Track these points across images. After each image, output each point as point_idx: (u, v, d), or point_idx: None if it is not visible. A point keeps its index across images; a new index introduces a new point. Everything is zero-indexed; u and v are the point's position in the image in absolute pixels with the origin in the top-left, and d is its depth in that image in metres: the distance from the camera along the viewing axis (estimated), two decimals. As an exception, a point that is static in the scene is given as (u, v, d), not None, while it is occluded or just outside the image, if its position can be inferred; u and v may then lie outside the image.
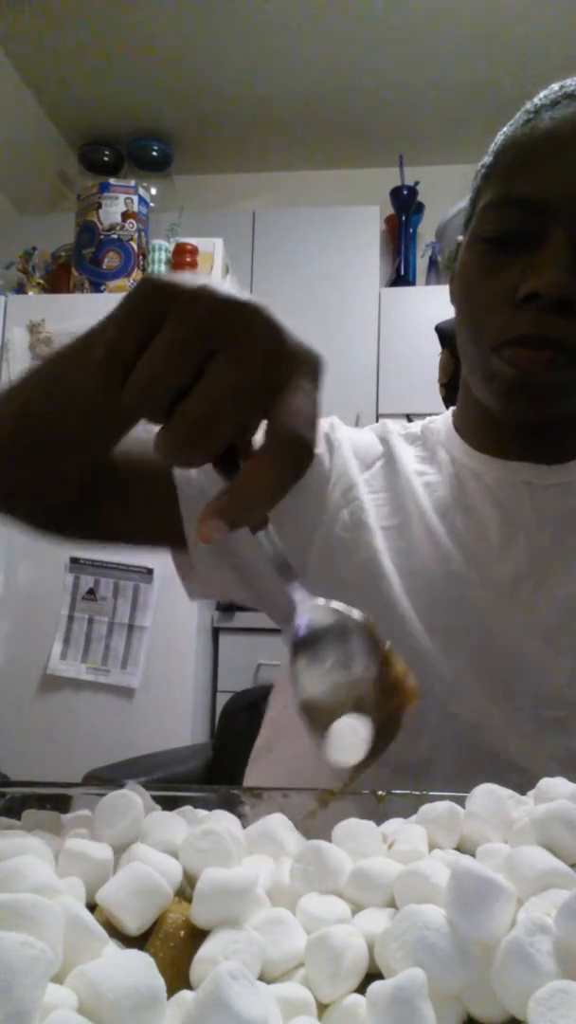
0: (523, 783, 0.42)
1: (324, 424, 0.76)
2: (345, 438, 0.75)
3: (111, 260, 2.47)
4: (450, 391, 0.85)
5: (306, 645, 0.42)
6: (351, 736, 0.40)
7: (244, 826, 0.39)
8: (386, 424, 0.78)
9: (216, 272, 2.60)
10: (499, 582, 0.65)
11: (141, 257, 2.53)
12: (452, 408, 0.78)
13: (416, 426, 0.79)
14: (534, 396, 0.62)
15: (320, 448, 0.73)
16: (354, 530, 0.68)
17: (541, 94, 0.64)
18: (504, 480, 0.69)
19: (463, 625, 0.65)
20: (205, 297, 0.36)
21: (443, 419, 0.78)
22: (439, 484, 0.71)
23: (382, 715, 0.41)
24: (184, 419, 0.34)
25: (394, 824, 0.40)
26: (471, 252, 0.65)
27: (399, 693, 0.42)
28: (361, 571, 0.66)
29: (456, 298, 0.68)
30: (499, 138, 0.66)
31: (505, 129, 0.66)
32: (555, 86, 0.64)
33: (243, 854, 0.37)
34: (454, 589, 0.65)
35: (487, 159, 0.67)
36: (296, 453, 0.35)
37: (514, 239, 0.61)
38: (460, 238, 0.71)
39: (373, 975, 0.29)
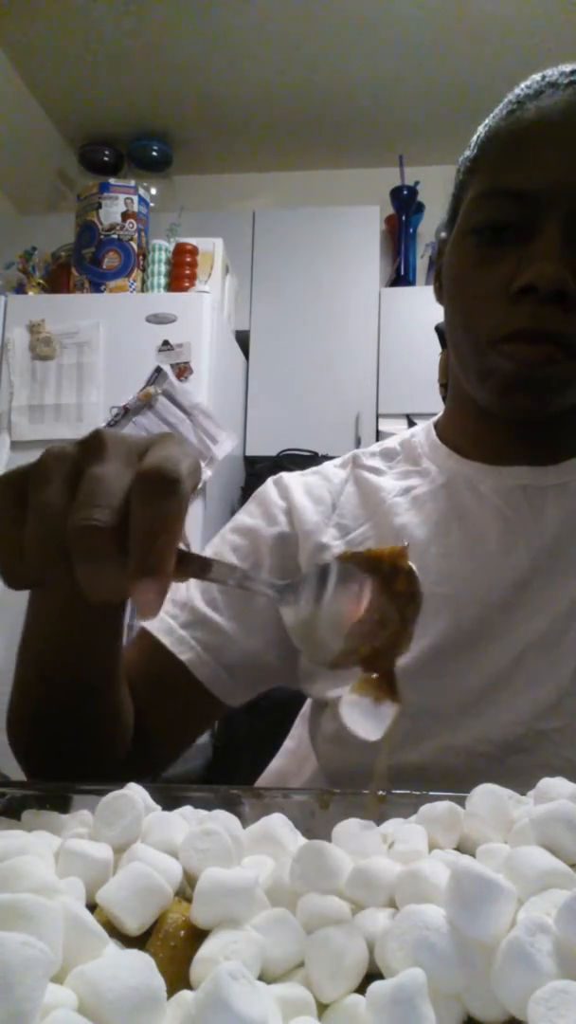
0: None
1: (268, 484, 0.76)
2: (296, 490, 0.74)
3: (111, 260, 2.47)
4: (450, 391, 0.85)
5: (291, 593, 0.40)
6: (363, 711, 0.39)
7: (244, 826, 0.39)
8: (355, 453, 0.77)
9: (216, 272, 2.60)
10: (499, 592, 0.64)
11: (141, 257, 2.53)
12: (432, 419, 0.77)
13: (392, 441, 0.77)
14: (533, 391, 0.61)
15: (279, 522, 0.72)
16: None
17: (522, 84, 0.64)
18: (500, 485, 0.67)
19: (456, 645, 0.63)
20: (48, 455, 0.38)
21: (423, 430, 0.76)
22: (429, 496, 0.69)
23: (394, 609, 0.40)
24: (74, 536, 0.34)
25: (394, 824, 0.40)
26: (460, 245, 0.64)
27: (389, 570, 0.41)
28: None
29: (446, 293, 0.67)
30: (481, 131, 0.65)
31: (487, 122, 0.65)
32: (536, 76, 0.63)
33: (243, 854, 0.37)
34: (447, 610, 0.64)
35: (469, 152, 0.66)
36: (160, 478, 0.35)
37: (505, 230, 0.60)
38: (443, 235, 0.70)
39: (373, 975, 0.29)
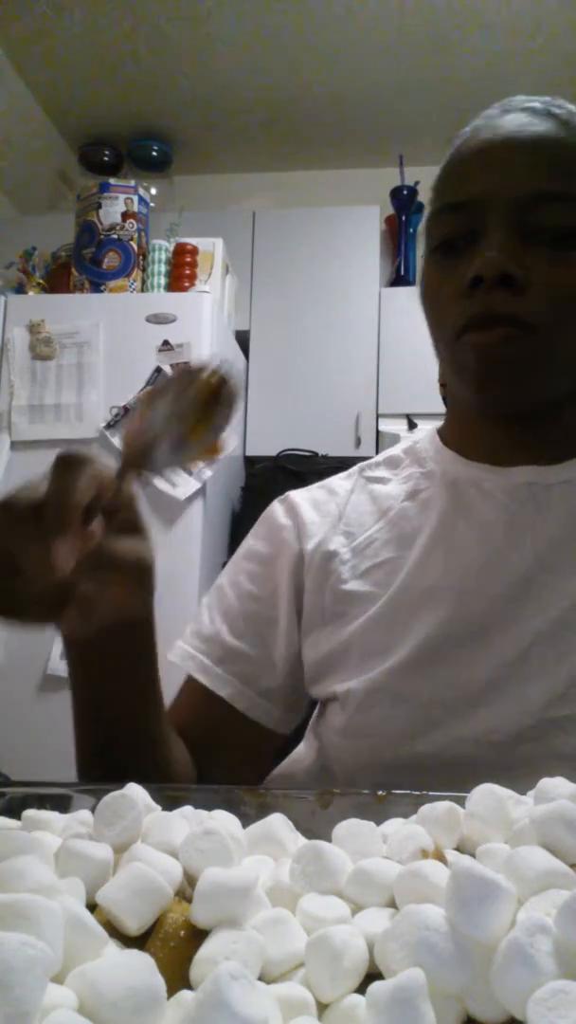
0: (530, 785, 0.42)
1: (275, 506, 0.78)
2: (303, 505, 0.76)
3: (111, 260, 2.47)
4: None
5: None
6: None
7: (244, 826, 0.39)
8: (360, 465, 0.79)
9: (216, 272, 2.60)
10: (505, 585, 0.65)
11: (141, 257, 2.53)
12: (436, 426, 0.79)
13: (395, 450, 0.79)
14: (502, 379, 0.64)
15: (290, 543, 0.74)
16: (338, 603, 0.70)
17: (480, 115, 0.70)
18: (505, 484, 0.69)
19: (463, 635, 0.65)
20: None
21: (428, 437, 0.78)
22: (436, 497, 0.71)
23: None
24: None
25: (394, 824, 0.40)
26: (426, 265, 0.69)
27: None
28: (358, 631, 0.68)
29: (423, 310, 0.71)
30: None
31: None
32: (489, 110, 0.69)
33: (243, 854, 0.37)
34: (453, 602, 0.66)
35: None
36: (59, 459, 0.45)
37: (457, 241, 0.65)
38: None
39: (373, 975, 0.29)
